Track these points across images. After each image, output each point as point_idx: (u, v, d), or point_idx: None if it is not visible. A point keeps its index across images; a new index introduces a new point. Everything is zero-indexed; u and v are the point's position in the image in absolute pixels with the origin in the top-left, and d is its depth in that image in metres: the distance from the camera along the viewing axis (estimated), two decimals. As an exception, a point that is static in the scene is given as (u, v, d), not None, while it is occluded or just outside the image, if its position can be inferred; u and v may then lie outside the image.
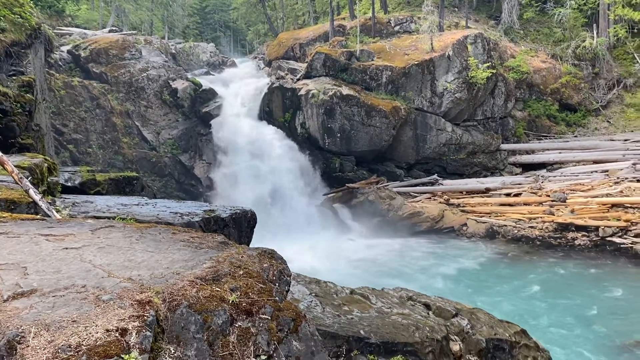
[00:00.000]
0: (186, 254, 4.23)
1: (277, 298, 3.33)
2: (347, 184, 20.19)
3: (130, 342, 2.78)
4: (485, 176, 21.83)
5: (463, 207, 19.54)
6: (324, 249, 16.67)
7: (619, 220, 16.20)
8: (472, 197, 20.18)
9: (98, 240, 4.50)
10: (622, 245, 15.39)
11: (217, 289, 3.46)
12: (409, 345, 7.13)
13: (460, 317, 8.14)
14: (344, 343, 7.12)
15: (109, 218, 5.78)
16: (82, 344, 2.68)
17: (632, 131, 23.35)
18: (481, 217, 18.70)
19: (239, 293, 3.44)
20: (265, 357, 2.91)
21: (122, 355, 2.66)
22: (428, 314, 8.26)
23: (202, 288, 3.44)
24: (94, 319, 2.89)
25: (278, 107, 21.16)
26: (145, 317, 3.01)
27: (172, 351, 2.99)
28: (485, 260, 15.87)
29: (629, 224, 15.93)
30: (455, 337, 7.74)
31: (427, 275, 14.80)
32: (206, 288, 3.45)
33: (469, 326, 7.97)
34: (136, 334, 2.83)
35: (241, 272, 3.79)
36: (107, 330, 2.80)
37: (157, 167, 20.66)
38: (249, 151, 19.34)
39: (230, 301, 3.33)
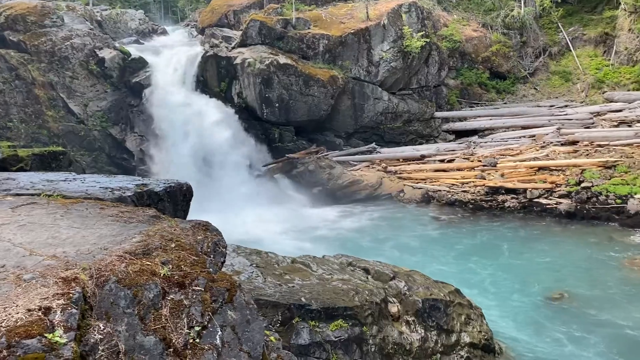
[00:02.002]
0: (115, 229, 4.10)
1: (210, 269, 3.29)
2: (287, 155, 20.12)
3: (54, 321, 2.67)
4: (420, 143, 22.36)
5: (400, 174, 20.00)
6: (266, 219, 16.63)
7: (545, 182, 17.10)
8: (409, 164, 20.67)
9: (19, 217, 4.28)
10: (547, 206, 16.29)
11: (147, 262, 3.39)
12: (349, 309, 7.31)
13: (397, 280, 8.40)
14: (286, 311, 7.20)
15: (32, 195, 5.48)
16: (1, 326, 2.55)
17: (557, 97, 24.52)
18: (417, 183, 19.22)
19: (170, 266, 3.38)
20: (199, 327, 2.87)
21: (46, 335, 2.56)
22: (367, 278, 8.47)
23: (131, 263, 3.36)
24: (14, 299, 2.77)
25: (213, 77, 20.58)
26: (71, 295, 2.91)
27: (102, 327, 2.91)
28: (421, 225, 16.38)
29: (554, 185, 16.86)
30: (393, 299, 8.00)
31: (366, 240, 15.12)
32: (136, 262, 3.38)
33: (406, 288, 8.24)
34: (61, 312, 2.73)
35: (173, 245, 3.72)
36: (29, 310, 2.69)
37: (85, 141, 19.72)
38: (183, 123, 18.74)
39: (162, 274, 3.27)
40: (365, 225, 16.60)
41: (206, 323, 2.87)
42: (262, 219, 16.59)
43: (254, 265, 8.29)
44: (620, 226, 14.80)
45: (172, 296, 3.13)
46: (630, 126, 20.08)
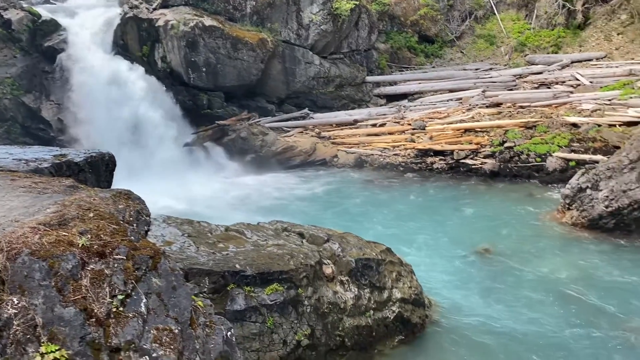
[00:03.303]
0: (27, 201, 3.86)
1: (132, 238, 3.17)
2: (217, 121, 19.60)
3: (-43, 299, 2.48)
4: (353, 108, 22.50)
5: (334, 139, 20.10)
6: (197, 189, 16.27)
7: (471, 143, 17.76)
8: (342, 129, 20.79)
9: None
10: (473, 166, 16.97)
11: (64, 233, 3.24)
12: (284, 273, 7.35)
13: (331, 242, 8.53)
14: (220, 278, 7.14)
15: None
16: None
17: (482, 61, 25.31)
18: (350, 147, 19.42)
19: (89, 236, 3.24)
20: (123, 296, 2.78)
21: (-53, 315, 2.36)
22: (302, 242, 8.53)
23: (46, 234, 3.20)
24: None
25: (134, 40, 19.51)
26: (-23, 271, 2.71)
27: (16, 302, 2.77)
28: (355, 188, 16.65)
29: (479, 146, 17.55)
30: (328, 260, 8.12)
31: (301, 206, 15.19)
32: (51, 233, 3.22)
33: (339, 249, 8.38)
34: (-35, 290, 2.54)
35: (92, 215, 3.57)
36: None
37: (-4, 111, 18.30)
38: (104, 89, 17.70)
39: (80, 245, 3.14)
40: (301, 191, 16.65)
41: (130, 291, 2.79)
42: (193, 188, 16.21)
43: (186, 235, 8.13)
44: (540, 183, 15.69)
45: (92, 266, 3.03)
46: (549, 88, 21.11)
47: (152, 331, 2.64)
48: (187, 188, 16.05)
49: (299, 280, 7.30)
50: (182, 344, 2.72)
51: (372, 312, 7.80)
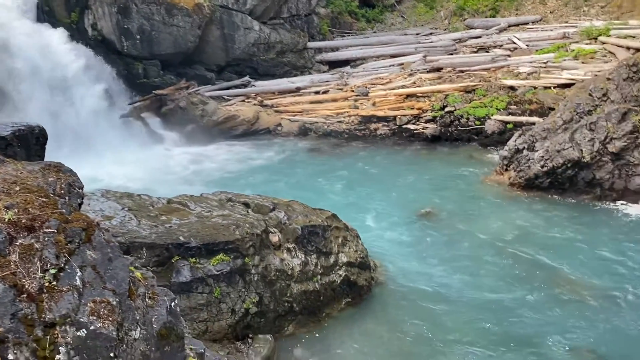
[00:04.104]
0: (-55, 175, 3.57)
1: (63, 211, 3.00)
2: (154, 91, 18.85)
3: None
4: (295, 75, 22.22)
5: (277, 107, 19.82)
6: (137, 162, 15.71)
7: (413, 109, 18.00)
8: (285, 97, 20.53)
9: None
10: (416, 131, 17.24)
11: None
12: (230, 243, 7.29)
13: (277, 211, 8.51)
14: (164, 251, 6.99)
15: None
16: None
17: (422, 25, 25.53)
18: (294, 116, 19.23)
19: (16, 210, 3.05)
20: (55, 270, 2.63)
21: None
22: (247, 212, 8.46)
23: None
24: None
25: (60, 6, 18.29)
26: None
27: None
28: (300, 156, 16.60)
29: (421, 111, 17.82)
30: (274, 229, 8.10)
31: (246, 175, 15.01)
32: None
33: (285, 218, 8.38)
34: None
35: (18, 189, 3.36)
36: None
37: None
38: (31, 59, 16.51)
39: (7, 219, 2.95)
40: (245, 161, 16.42)
41: (63, 265, 2.65)
42: (132, 161, 15.65)
43: (126, 208, 7.89)
44: (480, 146, 16.16)
45: (20, 241, 2.86)
46: (487, 51, 21.60)
47: (88, 304, 2.53)
48: (124, 161, 15.46)
49: (246, 249, 7.26)
50: (121, 315, 2.62)
51: (319, 277, 7.89)
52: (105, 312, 2.50)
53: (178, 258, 6.94)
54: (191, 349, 3.33)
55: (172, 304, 3.12)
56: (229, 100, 20.08)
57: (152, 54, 19.19)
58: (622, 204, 11.46)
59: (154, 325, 2.85)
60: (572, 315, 7.75)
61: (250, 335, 7.03)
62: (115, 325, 2.50)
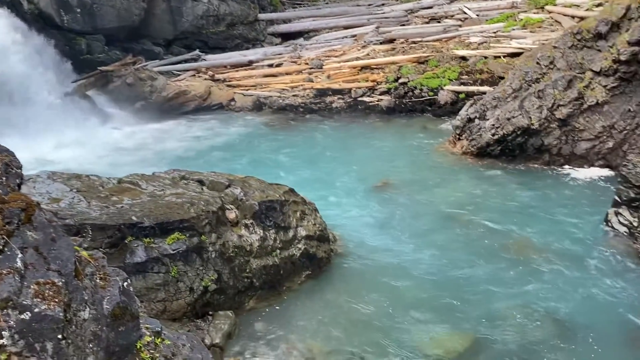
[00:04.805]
0: None
1: (0, 191, 2.79)
2: (98, 67, 18.05)
3: None
4: (247, 48, 21.76)
5: (229, 81, 19.38)
6: (83, 142, 15.08)
7: (367, 81, 17.97)
8: (237, 70, 20.09)
9: None
10: (370, 103, 17.25)
11: None
12: (185, 221, 7.10)
13: (233, 187, 8.34)
14: (116, 232, 6.74)
15: None
16: None
17: (374, -4, 25.38)
18: (247, 90, 18.86)
19: None
20: (-7, 254, 2.44)
21: None
22: (202, 189, 8.25)
23: None
24: None
25: (-8, -22, 17.16)
26: None
27: None
28: (255, 132, 16.34)
29: (375, 83, 17.81)
30: (231, 205, 7.95)
31: (200, 153, 14.68)
32: None
33: (242, 194, 8.23)
34: None
35: None
36: None
37: None
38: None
39: None
40: (197, 138, 16.04)
41: (1, 247, 2.47)
42: (79, 141, 15.01)
43: (75, 190, 7.56)
44: (434, 116, 16.34)
45: None
46: (439, 22, 21.73)
47: (32, 286, 2.38)
48: (68, 143, 14.81)
49: (201, 227, 7.10)
50: (68, 296, 2.48)
51: (278, 251, 7.83)
52: (51, 293, 2.35)
53: (132, 239, 6.72)
54: (147, 327, 3.21)
55: (125, 283, 2.98)
56: (179, 75, 19.49)
57: (95, 28, 18.30)
58: (569, 168, 11.88)
59: (106, 306, 2.72)
60: (529, 279, 7.97)
61: (211, 313, 6.94)
62: (62, 306, 2.37)
